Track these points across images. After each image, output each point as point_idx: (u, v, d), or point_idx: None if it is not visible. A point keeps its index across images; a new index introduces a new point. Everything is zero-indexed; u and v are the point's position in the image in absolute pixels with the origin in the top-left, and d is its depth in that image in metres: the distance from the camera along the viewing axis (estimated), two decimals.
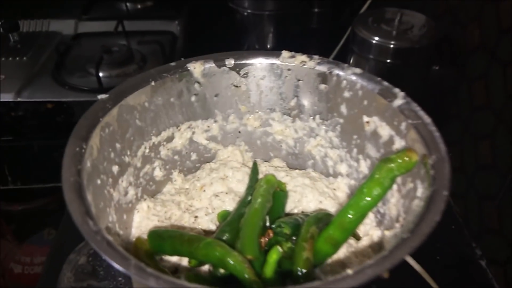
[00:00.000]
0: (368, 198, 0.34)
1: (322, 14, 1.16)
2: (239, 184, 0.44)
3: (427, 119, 0.34)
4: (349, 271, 0.24)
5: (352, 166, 0.43)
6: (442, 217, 0.61)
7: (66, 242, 0.64)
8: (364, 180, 0.39)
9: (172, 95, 0.41)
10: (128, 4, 1.07)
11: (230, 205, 0.42)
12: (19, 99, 0.82)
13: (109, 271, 0.64)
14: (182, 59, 0.42)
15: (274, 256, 0.32)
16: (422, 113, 0.35)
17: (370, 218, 0.40)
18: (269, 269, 0.32)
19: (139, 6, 1.09)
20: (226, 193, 0.43)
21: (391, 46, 0.71)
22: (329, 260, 0.36)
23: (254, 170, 0.45)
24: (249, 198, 0.40)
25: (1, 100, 0.81)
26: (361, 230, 0.40)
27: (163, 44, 0.94)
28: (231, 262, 0.31)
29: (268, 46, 1.03)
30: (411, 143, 0.35)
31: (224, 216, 0.41)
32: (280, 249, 0.33)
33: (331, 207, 0.42)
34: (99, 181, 0.33)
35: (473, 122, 0.67)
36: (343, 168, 0.44)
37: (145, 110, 0.39)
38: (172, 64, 0.41)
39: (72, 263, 0.65)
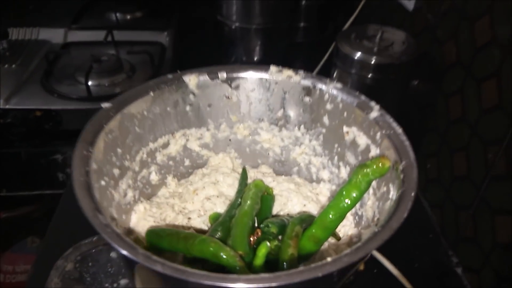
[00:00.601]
0: (347, 200, 0.38)
1: (308, 28, 1.22)
2: (229, 188, 0.48)
3: (399, 129, 0.39)
4: (328, 259, 0.29)
5: (333, 173, 0.48)
6: (421, 226, 0.67)
7: (53, 248, 0.67)
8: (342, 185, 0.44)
9: (168, 104, 0.45)
10: (117, 14, 1.11)
11: (220, 207, 0.47)
12: (7, 106, 0.85)
13: (96, 277, 0.67)
14: (178, 71, 0.46)
15: (263, 250, 0.36)
16: (394, 124, 0.40)
17: (349, 219, 0.44)
18: (258, 262, 0.36)
19: (128, 17, 1.13)
20: (217, 196, 0.47)
21: (372, 61, 0.77)
22: (312, 257, 0.41)
23: (244, 175, 0.49)
24: (239, 200, 0.45)
25: None
26: (341, 231, 0.45)
27: (152, 54, 0.98)
28: (224, 256, 0.35)
29: (255, 59, 1.08)
30: (385, 151, 0.40)
31: (215, 218, 0.45)
32: (268, 244, 0.37)
33: (314, 210, 0.47)
34: (103, 182, 0.37)
35: (449, 135, 0.73)
36: (325, 174, 0.49)
37: (144, 118, 0.43)
38: (169, 76, 0.45)
39: (59, 269, 0.68)
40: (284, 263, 0.37)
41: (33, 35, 1.04)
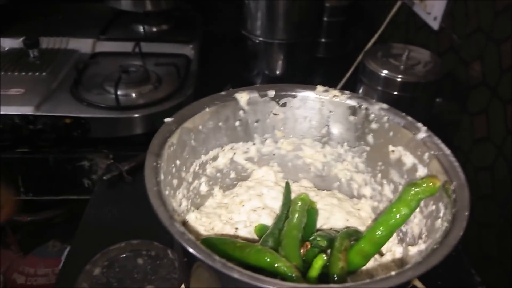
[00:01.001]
0: (397, 217, 0.40)
1: (329, 44, 1.26)
2: (274, 201, 0.50)
3: (447, 150, 0.41)
4: (392, 273, 0.31)
5: (376, 190, 0.50)
6: None
7: (80, 253, 0.69)
8: (389, 202, 0.46)
9: (220, 119, 0.48)
10: (145, 26, 1.14)
11: (266, 219, 0.49)
12: (38, 113, 0.87)
13: (122, 283, 0.69)
14: (231, 88, 0.49)
15: (319, 262, 0.38)
16: (443, 145, 0.42)
17: (393, 236, 0.46)
18: (314, 273, 0.38)
19: (154, 29, 1.17)
20: (263, 208, 0.49)
21: (399, 79, 0.80)
22: (358, 271, 0.43)
23: (287, 189, 0.51)
24: (285, 213, 0.47)
25: (21, 113, 0.86)
26: (384, 247, 0.47)
27: (178, 66, 1.01)
28: (282, 266, 0.37)
29: (277, 72, 1.11)
30: (434, 171, 0.42)
31: (261, 229, 0.47)
32: (324, 256, 0.39)
33: (357, 225, 0.48)
34: (167, 192, 0.39)
35: (473, 154, 0.75)
36: (367, 191, 0.51)
37: (199, 132, 0.46)
38: (223, 93, 0.48)
39: (87, 274, 0.70)
40: (335, 276, 0.39)
41: (63, 45, 1.07)
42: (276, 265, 0.38)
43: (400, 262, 0.44)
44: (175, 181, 0.43)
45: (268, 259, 0.38)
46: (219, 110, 0.47)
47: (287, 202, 0.49)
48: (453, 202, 0.37)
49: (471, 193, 0.71)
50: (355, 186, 0.52)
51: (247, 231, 0.47)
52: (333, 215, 0.49)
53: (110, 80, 0.95)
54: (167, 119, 0.42)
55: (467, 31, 0.79)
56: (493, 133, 0.68)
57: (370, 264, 0.43)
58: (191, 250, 0.30)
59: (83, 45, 1.09)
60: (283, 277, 0.38)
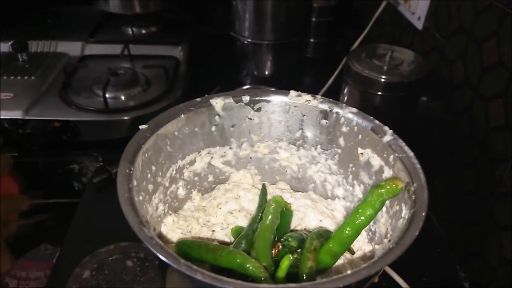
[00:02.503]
0: (362, 217, 0.43)
1: (317, 44, 1.28)
2: (250, 203, 0.53)
3: (410, 153, 0.44)
4: (348, 272, 0.33)
5: (348, 190, 0.52)
6: (429, 240, 0.70)
7: (69, 256, 0.71)
8: (359, 203, 0.48)
9: (196, 125, 0.50)
10: (133, 29, 1.16)
11: (242, 221, 0.51)
12: (27, 117, 0.88)
13: (112, 285, 0.71)
14: (206, 95, 0.51)
15: (286, 262, 0.41)
16: (406, 148, 0.44)
17: (363, 235, 0.49)
18: (281, 273, 0.41)
19: (143, 31, 1.19)
20: (239, 210, 0.52)
21: (382, 80, 0.82)
22: (328, 270, 0.45)
23: (264, 191, 0.54)
24: (260, 215, 0.49)
25: (10, 117, 0.87)
26: (355, 245, 0.49)
27: (167, 68, 1.02)
28: (250, 267, 0.40)
29: (266, 73, 1.13)
30: (397, 173, 0.44)
31: (237, 231, 0.49)
32: (291, 257, 0.42)
33: (330, 225, 0.51)
34: (141, 197, 0.41)
35: (457, 152, 0.77)
36: (340, 192, 0.54)
37: (175, 138, 0.48)
38: (198, 99, 0.50)
39: (77, 276, 0.72)
40: (304, 275, 0.42)
41: (52, 48, 1.09)
42: (246, 265, 0.40)
43: (370, 260, 0.46)
44: (150, 186, 0.45)
45: (239, 260, 0.41)
46: (194, 116, 0.49)
47: (262, 204, 0.51)
48: (413, 203, 0.39)
49: (456, 190, 0.74)
50: (329, 187, 0.55)
51: (223, 233, 0.50)
52: (307, 216, 0.51)
53: (98, 83, 0.97)
54: (141, 126, 0.45)
55: (450, 31, 0.80)
56: (475, 131, 0.70)
57: (340, 262, 0.46)
58: (158, 254, 0.33)
59: (72, 48, 1.10)
60: (253, 278, 0.40)
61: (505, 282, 0.58)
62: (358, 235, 0.44)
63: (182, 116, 0.48)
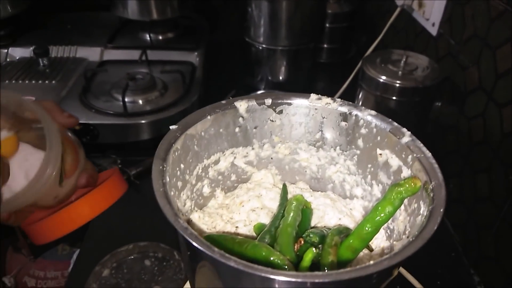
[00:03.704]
0: (382, 215, 0.45)
1: (331, 50, 1.31)
2: (271, 201, 0.56)
3: (428, 153, 0.46)
4: (371, 262, 0.36)
5: (366, 190, 0.55)
6: (443, 245, 0.72)
7: (89, 255, 0.74)
8: (378, 201, 0.51)
9: (221, 126, 0.53)
10: (151, 35, 1.20)
11: (264, 218, 0.54)
12: None
13: (130, 284, 0.74)
14: (231, 97, 0.54)
15: (310, 254, 0.44)
16: (424, 148, 0.47)
17: (381, 233, 0.51)
18: (305, 265, 0.43)
19: (160, 37, 1.23)
20: (261, 208, 0.55)
21: (397, 85, 0.84)
22: (348, 265, 0.48)
23: (284, 190, 0.56)
24: (282, 212, 0.52)
25: None
26: (373, 243, 0.52)
27: (183, 73, 1.06)
28: (275, 259, 0.43)
29: (280, 78, 1.16)
30: (416, 172, 0.47)
31: (259, 228, 0.52)
32: (314, 250, 0.44)
33: (349, 224, 0.54)
34: (172, 193, 0.44)
35: (472, 157, 0.78)
36: (358, 192, 0.56)
37: (201, 138, 0.51)
38: (223, 102, 0.53)
39: (96, 275, 0.75)
40: (326, 269, 0.44)
41: (72, 53, 1.13)
42: (271, 258, 0.43)
43: None
44: (179, 183, 0.48)
45: (264, 253, 0.43)
46: (220, 118, 0.52)
47: (284, 202, 0.54)
48: (431, 200, 0.42)
49: (470, 195, 0.75)
50: (348, 187, 0.57)
51: (246, 230, 0.53)
52: (326, 214, 0.54)
53: (117, 87, 1.01)
54: (172, 126, 0.48)
55: (464, 37, 0.83)
56: (489, 136, 0.72)
57: (360, 258, 0.49)
58: (193, 243, 0.36)
59: (91, 53, 1.14)
60: (278, 269, 0.43)
61: None
62: (378, 232, 0.47)
63: (209, 117, 0.51)
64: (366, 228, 0.46)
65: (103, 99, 1.00)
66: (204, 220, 0.52)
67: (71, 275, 0.76)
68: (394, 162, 0.50)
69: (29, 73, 1.07)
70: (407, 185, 0.45)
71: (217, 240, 0.47)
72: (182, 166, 0.49)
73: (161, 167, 0.43)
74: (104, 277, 0.74)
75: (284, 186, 0.57)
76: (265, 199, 0.56)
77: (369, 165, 0.54)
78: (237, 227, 0.53)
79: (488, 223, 0.71)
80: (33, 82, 1.04)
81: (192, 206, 0.53)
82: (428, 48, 0.98)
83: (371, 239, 0.47)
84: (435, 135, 0.92)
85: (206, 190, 0.55)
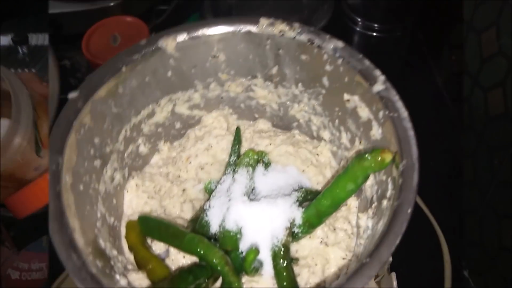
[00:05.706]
0: (342, 191, 0.36)
1: None
2: (223, 153, 0.46)
3: (404, 112, 0.34)
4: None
5: (335, 135, 0.44)
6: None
7: None
8: (347, 152, 0.41)
9: (146, 74, 0.40)
10: None
11: (215, 175, 0.45)
12: None
13: None
14: (152, 34, 0.40)
15: (251, 255, 0.36)
16: (400, 104, 0.34)
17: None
18: (247, 267, 0.36)
19: None
20: (211, 164, 0.45)
21: None
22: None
23: (237, 138, 0.46)
24: (229, 170, 0.43)
25: None
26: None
27: None
28: (214, 260, 0.35)
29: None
30: (386, 134, 0.35)
31: (211, 188, 0.43)
32: (257, 250, 0.36)
33: (313, 175, 0.44)
34: (81, 187, 0.35)
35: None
36: (326, 134, 0.45)
37: (120, 96, 0.39)
38: (142, 42, 0.39)
39: None
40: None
41: None
42: (209, 258, 0.36)
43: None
44: (97, 162, 0.38)
45: (201, 251, 0.36)
46: (141, 66, 0.39)
47: (235, 152, 0.45)
48: (399, 190, 0.31)
49: (459, 179, 0.61)
50: (314, 128, 0.46)
51: (196, 190, 0.44)
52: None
53: None
54: (71, 94, 0.36)
55: None
56: (475, 121, 0.57)
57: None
58: None
59: None
60: (216, 269, 0.36)
61: (505, 271, 0.52)
62: (337, 209, 0.38)
63: (124, 69, 0.38)
64: (324, 203, 0.37)
65: None
66: (144, 187, 0.43)
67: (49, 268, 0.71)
68: (364, 113, 0.38)
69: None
70: (374, 160, 0.34)
71: (151, 226, 0.39)
72: (96, 140, 0.38)
73: (54, 167, 0.32)
74: None
75: (237, 131, 0.46)
76: (216, 151, 0.46)
77: (337, 109, 0.42)
78: (184, 189, 0.44)
79: (472, 208, 0.59)
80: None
81: (126, 174, 0.43)
82: None
83: (330, 215, 0.38)
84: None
85: (143, 148, 0.45)
